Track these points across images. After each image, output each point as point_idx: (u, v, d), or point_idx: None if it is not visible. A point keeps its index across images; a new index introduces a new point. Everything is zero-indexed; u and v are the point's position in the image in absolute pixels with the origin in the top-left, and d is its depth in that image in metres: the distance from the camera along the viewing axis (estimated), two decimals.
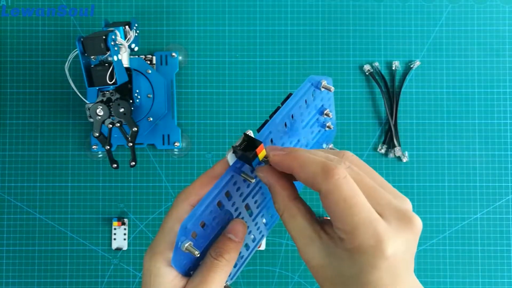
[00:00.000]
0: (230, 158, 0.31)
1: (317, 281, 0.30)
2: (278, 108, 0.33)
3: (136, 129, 0.56)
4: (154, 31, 0.65)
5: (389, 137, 0.64)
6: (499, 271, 0.63)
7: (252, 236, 0.36)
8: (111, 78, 0.54)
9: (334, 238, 0.29)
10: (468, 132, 0.64)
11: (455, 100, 0.64)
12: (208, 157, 0.64)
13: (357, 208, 0.27)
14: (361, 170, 0.29)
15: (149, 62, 0.63)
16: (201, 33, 0.65)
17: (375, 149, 0.64)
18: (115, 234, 0.63)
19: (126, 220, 0.63)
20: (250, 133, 0.30)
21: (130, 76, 0.58)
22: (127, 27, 0.57)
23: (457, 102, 0.64)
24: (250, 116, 0.64)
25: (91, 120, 0.55)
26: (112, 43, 0.53)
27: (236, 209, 0.33)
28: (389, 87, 0.64)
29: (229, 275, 0.34)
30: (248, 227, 0.34)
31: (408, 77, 0.64)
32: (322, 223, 0.30)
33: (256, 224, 0.36)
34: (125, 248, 0.63)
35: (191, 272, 0.32)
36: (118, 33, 0.54)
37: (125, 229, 0.63)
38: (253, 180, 0.31)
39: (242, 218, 0.34)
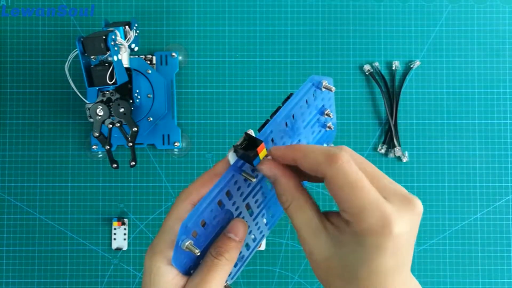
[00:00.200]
0: (231, 157, 0.31)
1: (319, 277, 0.30)
2: (279, 108, 0.33)
3: (136, 129, 0.56)
4: (154, 31, 0.65)
5: (389, 137, 0.64)
6: (499, 271, 0.63)
7: (253, 236, 0.36)
8: (111, 78, 0.54)
9: (339, 226, 0.29)
10: (468, 132, 0.64)
11: (455, 100, 0.64)
12: (208, 157, 0.64)
13: (364, 190, 0.27)
14: (362, 162, 0.30)
15: (149, 62, 0.63)
16: (201, 33, 0.65)
17: (375, 149, 0.64)
18: (115, 234, 0.63)
19: (126, 220, 0.63)
20: (251, 132, 0.30)
21: (130, 76, 0.58)
22: (127, 27, 0.57)
23: (457, 102, 0.64)
24: (250, 116, 0.64)
25: (91, 120, 0.55)
26: (112, 43, 0.53)
27: (236, 209, 0.33)
28: (389, 87, 0.64)
29: (230, 275, 0.34)
30: (248, 226, 0.34)
31: (408, 77, 0.64)
32: (327, 215, 0.31)
33: (256, 224, 0.36)
34: (125, 248, 0.63)
35: (192, 271, 0.32)
36: (118, 33, 0.54)
37: (125, 229, 0.63)
38: (254, 180, 0.31)
39: (243, 217, 0.34)
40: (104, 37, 0.52)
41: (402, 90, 0.64)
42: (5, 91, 0.64)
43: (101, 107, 0.55)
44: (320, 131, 0.38)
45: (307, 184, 0.36)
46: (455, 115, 0.64)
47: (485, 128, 0.64)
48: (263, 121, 0.33)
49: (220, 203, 0.31)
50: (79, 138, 0.64)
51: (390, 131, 0.63)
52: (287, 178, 0.31)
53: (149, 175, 0.64)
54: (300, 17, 0.65)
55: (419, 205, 0.28)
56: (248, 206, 0.34)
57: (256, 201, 0.34)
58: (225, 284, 0.32)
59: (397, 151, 0.63)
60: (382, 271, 0.27)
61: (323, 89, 0.35)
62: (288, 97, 0.33)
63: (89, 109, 0.55)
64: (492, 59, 0.65)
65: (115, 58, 0.53)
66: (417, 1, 0.65)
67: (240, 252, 0.34)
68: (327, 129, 0.38)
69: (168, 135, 0.63)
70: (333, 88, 0.35)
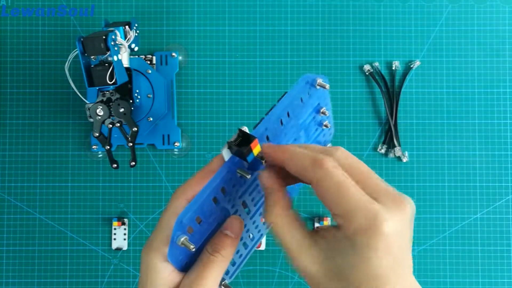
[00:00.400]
0: (226, 153, 0.31)
1: None
2: (274, 106, 0.33)
3: (136, 129, 0.56)
4: (154, 31, 0.65)
5: (389, 137, 0.64)
6: (499, 271, 0.63)
7: (251, 235, 0.36)
8: (111, 78, 0.54)
9: (329, 236, 0.29)
10: (468, 132, 0.64)
11: (455, 100, 0.64)
12: (208, 157, 0.64)
13: (350, 191, 0.28)
14: (353, 163, 0.30)
15: (149, 62, 0.63)
16: (201, 33, 0.65)
17: (375, 149, 0.64)
18: (115, 234, 0.63)
19: (126, 220, 0.63)
20: (245, 129, 0.31)
21: (130, 76, 0.58)
22: (127, 27, 0.57)
23: (457, 102, 0.64)
24: (250, 116, 0.64)
25: (91, 120, 0.55)
26: (112, 43, 0.53)
27: (232, 206, 0.33)
28: (389, 87, 0.64)
29: (228, 274, 0.34)
30: (245, 225, 0.34)
31: (408, 77, 0.64)
32: (316, 231, 0.30)
33: (254, 222, 0.36)
34: (125, 248, 0.63)
35: (188, 268, 0.32)
36: (118, 33, 0.54)
37: (125, 229, 0.63)
38: (249, 176, 0.31)
39: (239, 215, 0.34)
40: (104, 37, 0.52)
41: (402, 90, 0.64)
42: (5, 91, 0.64)
43: (101, 107, 0.55)
44: (316, 129, 0.38)
45: (301, 186, 0.36)
46: (455, 115, 0.64)
47: (485, 128, 0.64)
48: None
49: (216, 200, 0.31)
50: (79, 138, 0.64)
51: (390, 131, 0.63)
52: (277, 197, 0.31)
53: (149, 175, 0.64)
54: (300, 17, 0.65)
55: (410, 205, 0.28)
56: (244, 204, 0.34)
57: (252, 199, 0.34)
58: (223, 282, 0.32)
59: (397, 151, 0.63)
60: (378, 274, 0.27)
61: (318, 87, 0.35)
62: (283, 96, 0.33)
63: (89, 109, 0.55)
64: (492, 59, 0.65)
65: (115, 58, 0.53)
66: (417, 1, 0.65)
67: (238, 251, 0.34)
68: (324, 127, 0.38)
69: (168, 135, 0.63)
70: (327, 86, 0.35)
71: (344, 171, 0.29)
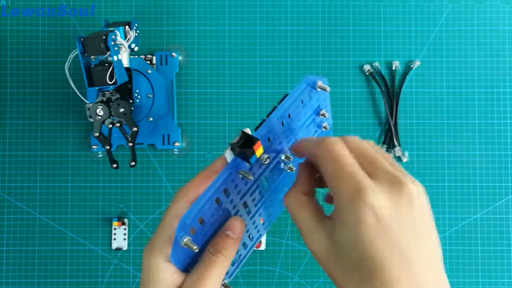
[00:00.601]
0: (228, 155, 0.31)
1: (326, 271, 0.30)
2: (275, 108, 0.33)
3: (136, 129, 0.56)
4: (154, 31, 0.65)
5: (389, 137, 0.64)
6: (499, 271, 0.63)
7: (250, 235, 0.36)
8: (111, 78, 0.54)
9: (332, 216, 0.30)
10: (468, 132, 0.64)
11: (455, 100, 0.64)
12: (208, 157, 0.64)
13: (344, 164, 0.29)
14: (363, 145, 0.31)
15: (149, 62, 0.63)
16: (201, 33, 0.65)
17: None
18: (115, 234, 0.63)
19: (126, 220, 0.63)
20: (248, 130, 0.31)
21: (130, 76, 0.58)
22: (127, 27, 0.57)
23: (457, 102, 0.64)
24: (250, 116, 0.64)
25: (91, 120, 0.55)
26: (112, 43, 0.53)
27: (234, 207, 0.33)
28: (389, 87, 0.64)
29: (227, 273, 0.34)
30: (246, 225, 0.34)
31: (408, 77, 0.64)
32: (328, 215, 0.32)
33: (254, 222, 0.36)
34: (125, 248, 0.63)
35: (190, 268, 0.32)
36: (118, 33, 0.54)
37: (125, 229, 0.63)
38: (251, 177, 0.31)
39: (240, 216, 0.34)
40: (104, 37, 0.52)
41: (402, 90, 0.64)
42: (5, 91, 0.64)
43: (101, 107, 0.55)
44: (316, 131, 0.38)
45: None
46: (455, 115, 0.64)
47: (485, 128, 0.64)
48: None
49: (218, 201, 0.31)
50: (79, 138, 0.64)
51: (390, 131, 0.63)
52: (298, 183, 0.33)
53: (149, 175, 0.64)
54: (300, 17, 0.65)
55: (410, 191, 0.28)
56: (245, 205, 0.34)
57: (253, 200, 0.35)
58: (223, 282, 0.33)
59: (397, 151, 0.63)
60: (371, 256, 0.27)
61: (318, 89, 0.35)
62: (284, 98, 0.33)
63: (89, 109, 0.55)
64: (492, 59, 0.65)
65: (115, 58, 0.53)
66: (417, 1, 0.65)
67: (238, 251, 0.34)
68: (323, 129, 0.39)
69: (168, 135, 0.63)
70: (328, 88, 0.35)
71: (352, 152, 0.30)
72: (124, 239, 0.63)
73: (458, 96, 0.64)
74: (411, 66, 0.64)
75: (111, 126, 0.56)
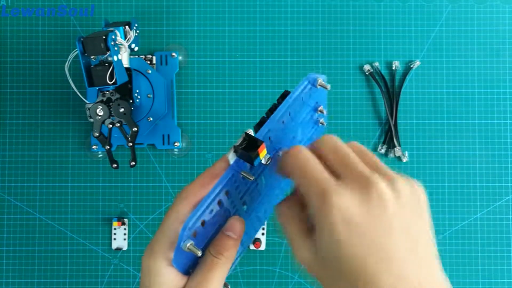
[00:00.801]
0: (231, 157, 0.31)
1: (318, 281, 0.30)
2: (274, 105, 0.33)
3: (136, 129, 0.56)
4: (154, 31, 0.65)
5: (389, 137, 0.64)
6: (499, 271, 0.63)
7: (247, 232, 0.37)
8: (111, 78, 0.54)
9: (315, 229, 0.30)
10: (468, 132, 0.64)
11: (455, 100, 0.64)
12: (208, 157, 0.64)
13: (307, 170, 0.29)
14: (337, 146, 0.31)
15: (149, 62, 0.63)
16: (201, 33, 0.65)
17: (375, 149, 0.64)
18: (115, 234, 0.63)
19: (126, 220, 0.63)
20: (251, 132, 0.31)
21: (130, 76, 0.58)
22: (127, 27, 0.57)
23: (457, 102, 0.64)
24: (250, 116, 0.64)
25: (91, 120, 0.55)
26: (112, 43, 0.53)
27: (234, 207, 0.33)
28: (389, 87, 0.64)
29: None
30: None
31: (408, 77, 0.64)
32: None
33: (251, 220, 0.36)
34: (125, 248, 0.63)
35: (191, 270, 0.32)
36: (118, 33, 0.54)
37: (125, 229, 0.63)
38: (253, 178, 0.31)
39: (239, 214, 0.34)
40: (104, 37, 0.52)
41: (402, 90, 0.64)
42: (5, 91, 0.64)
43: (101, 107, 0.55)
44: (312, 127, 0.39)
45: None
46: (455, 115, 0.64)
47: (485, 128, 0.64)
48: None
49: (220, 203, 0.31)
50: (79, 138, 0.64)
51: (390, 131, 0.63)
52: (289, 197, 0.33)
53: (149, 175, 0.64)
54: (300, 17, 0.65)
55: (376, 187, 0.28)
56: (244, 203, 0.34)
57: (251, 198, 0.35)
58: (224, 283, 0.33)
59: (397, 151, 0.63)
60: (350, 258, 0.27)
61: (318, 87, 0.35)
62: (283, 94, 0.33)
63: (89, 109, 0.55)
64: (492, 59, 0.65)
65: (115, 58, 0.53)
66: (417, 1, 0.65)
67: None
68: (320, 125, 0.39)
69: (168, 135, 0.63)
70: (328, 86, 0.35)
71: (327, 154, 0.30)
72: (124, 239, 0.63)
73: (458, 96, 0.64)
74: (411, 66, 0.64)
75: (111, 126, 0.56)
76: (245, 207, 0.35)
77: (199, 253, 0.29)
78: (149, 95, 0.62)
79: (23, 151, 0.64)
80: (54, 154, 0.64)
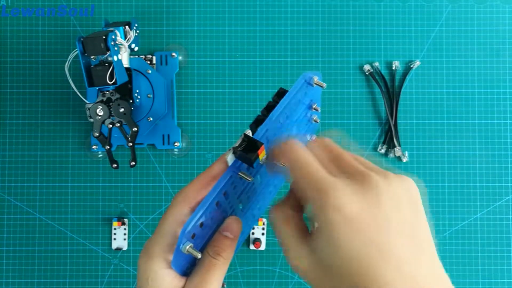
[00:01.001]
0: (230, 159, 0.31)
1: (314, 286, 0.30)
2: (270, 103, 0.33)
3: (136, 129, 0.56)
4: (154, 31, 0.65)
5: (389, 137, 0.64)
6: (499, 271, 0.63)
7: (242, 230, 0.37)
8: (111, 78, 0.54)
9: (312, 231, 0.29)
10: (468, 132, 0.64)
11: (455, 100, 0.64)
12: (208, 157, 0.64)
13: (304, 165, 0.29)
14: (330, 146, 0.31)
15: (149, 62, 0.63)
16: (201, 33, 0.65)
17: (375, 149, 0.64)
18: (115, 234, 0.63)
19: (126, 220, 0.63)
20: (249, 133, 0.31)
21: (130, 76, 0.58)
22: (127, 27, 0.57)
23: (457, 102, 0.64)
24: (250, 116, 0.64)
25: (91, 120, 0.55)
26: (112, 43, 0.53)
27: (231, 207, 0.33)
28: (389, 87, 0.64)
29: None
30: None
31: (408, 77, 0.64)
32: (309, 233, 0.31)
33: (246, 218, 0.36)
34: (125, 248, 0.63)
35: (188, 272, 0.32)
36: (118, 33, 0.54)
37: (125, 229, 0.63)
38: (251, 179, 0.31)
39: (235, 213, 0.34)
40: (104, 37, 0.52)
41: (402, 90, 0.64)
42: (5, 91, 0.64)
43: (101, 107, 0.55)
44: (306, 124, 0.39)
45: None
46: (455, 115, 0.64)
47: (485, 128, 0.64)
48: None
49: (217, 204, 0.31)
50: (79, 138, 0.64)
51: (390, 131, 0.63)
52: (284, 199, 0.32)
53: (149, 175, 0.64)
54: (300, 17, 0.65)
55: (372, 183, 0.27)
56: (240, 201, 0.34)
57: (248, 197, 0.35)
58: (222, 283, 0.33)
59: (397, 151, 0.63)
60: (351, 257, 0.26)
61: (314, 85, 0.35)
62: (279, 92, 0.33)
63: (89, 109, 0.55)
64: (492, 59, 0.65)
65: (115, 58, 0.53)
66: (417, 1, 0.65)
67: None
68: (313, 122, 0.39)
69: (168, 135, 0.63)
70: (324, 85, 0.35)
71: (323, 153, 0.30)
72: (124, 239, 0.63)
73: (458, 96, 0.64)
74: (411, 66, 0.64)
75: (111, 126, 0.56)
76: (240, 205, 0.35)
77: (199, 256, 0.29)
78: (149, 95, 0.62)
79: (23, 151, 0.64)
80: (54, 154, 0.64)
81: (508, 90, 0.64)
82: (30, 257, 0.63)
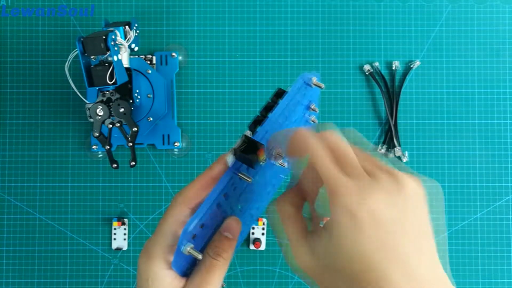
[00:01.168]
0: (230, 160, 0.31)
1: (316, 284, 0.29)
2: (268, 103, 0.33)
3: (136, 129, 0.56)
4: (154, 31, 0.65)
5: (389, 137, 0.64)
6: (499, 271, 0.63)
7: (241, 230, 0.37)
8: (111, 78, 0.54)
9: (317, 230, 0.29)
10: (468, 132, 0.64)
11: (455, 100, 0.64)
12: (208, 157, 0.64)
13: (317, 160, 0.28)
14: (337, 142, 0.30)
15: (149, 62, 0.63)
16: (201, 33, 0.65)
17: (375, 149, 0.64)
18: (115, 234, 0.63)
19: (126, 220, 0.63)
20: (249, 133, 0.31)
21: (130, 76, 0.58)
22: (127, 27, 0.57)
23: (457, 102, 0.64)
24: (250, 116, 0.64)
25: (91, 120, 0.55)
26: (112, 43, 0.53)
27: (230, 207, 0.33)
28: (389, 87, 0.64)
29: None
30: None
31: (408, 77, 0.64)
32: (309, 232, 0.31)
33: (245, 218, 0.36)
34: (125, 248, 0.63)
35: (188, 272, 0.32)
36: (118, 33, 0.54)
37: (125, 229, 0.63)
38: (251, 180, 0.31)
39: (235, 213, 0.34)
40: (104, 37, 0.52)
41: (402, 90, 0.64)
42: (5, 91, 0.64)
43: (101, 107, 0.55)
44: (304, 125, 0.39)
45: None
46: (455, 115, 0.64)
47: (485, 128, 0.64)
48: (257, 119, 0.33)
49: (218, 205, 0.31)
50: (79, 138, 0.64)
51: (390, 131, 0.63)
52: (287, 194, 0.32)
53: (149, 175, 0.64)
54: (300, 17, 0.65)
55: (382, 182, 0.27)
56: (239, 202, 0.34)
57: (246, 197, 0.35)
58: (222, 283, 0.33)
59: (397, 151, 0.63)
60: (357, 255, 0.26)
61: (313, 86, 0.35)
62: (277, 92, 0.33)
63: (89, 109, 0.55)
64: (492, 59, 0.65)
65: (115, 58, 0.53)
66: (417, 1, 0.65)
67: None
68: (311, 122, 0.39)
69: (168, 135, 0.63)
70: (322, 85, 0.35)
71: (331, 150, 0.29)
72: (124, 239, 0.63)
73: (458, 96, 0.64)
74: (411, 66, 0.64)
75: (111, 126, 0.56)
76: (239, 205, 0.35)
77: (200, 257, 0.29)
78: (149, 95, 0.62)
79: (23, 151, 0.64)
80: (54, 154, 0.64)
81: (508, 90, 0.64)
82: (30, 257, 0.63)
